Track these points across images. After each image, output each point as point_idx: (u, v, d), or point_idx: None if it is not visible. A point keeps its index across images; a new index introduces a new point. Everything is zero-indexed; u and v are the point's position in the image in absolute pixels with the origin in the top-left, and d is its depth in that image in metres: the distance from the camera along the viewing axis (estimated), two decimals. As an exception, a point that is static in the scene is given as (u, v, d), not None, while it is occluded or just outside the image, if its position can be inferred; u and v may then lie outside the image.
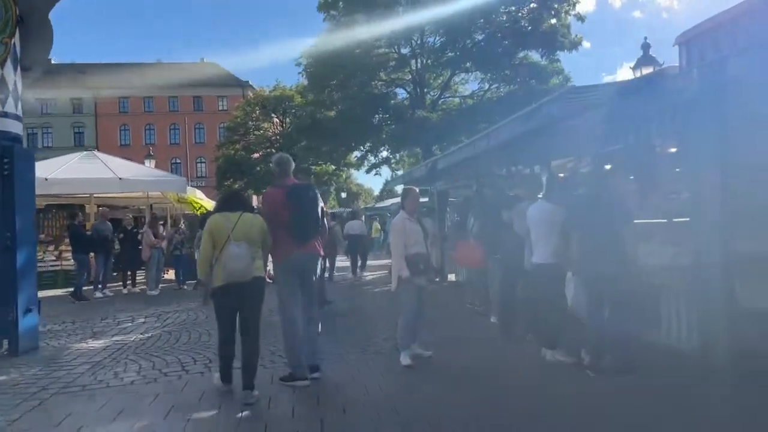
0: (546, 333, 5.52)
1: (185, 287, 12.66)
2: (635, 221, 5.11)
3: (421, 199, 6.58)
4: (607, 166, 6.10)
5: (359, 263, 14.57)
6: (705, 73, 4.25)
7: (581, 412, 4.13)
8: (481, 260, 7.63)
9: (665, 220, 6.38)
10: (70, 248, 12.10)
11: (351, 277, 14.36)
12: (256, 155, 44.17)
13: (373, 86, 22.23)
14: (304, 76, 23.90)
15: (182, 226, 13.65)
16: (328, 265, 14.52)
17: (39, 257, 11.42)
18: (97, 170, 13.45)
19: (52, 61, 63.76)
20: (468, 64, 21.29)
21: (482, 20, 19.80)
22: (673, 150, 6.08)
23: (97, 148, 26.16)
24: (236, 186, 43.08)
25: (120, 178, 12.85)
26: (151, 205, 16.68)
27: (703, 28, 4.13)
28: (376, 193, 68.86)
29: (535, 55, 20.93)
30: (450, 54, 21.09)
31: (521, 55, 20.90)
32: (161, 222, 14.40)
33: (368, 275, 14.62)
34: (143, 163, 20.17)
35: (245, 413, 4.27)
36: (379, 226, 23.32)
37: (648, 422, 3.87)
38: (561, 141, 6.25)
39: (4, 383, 5.30)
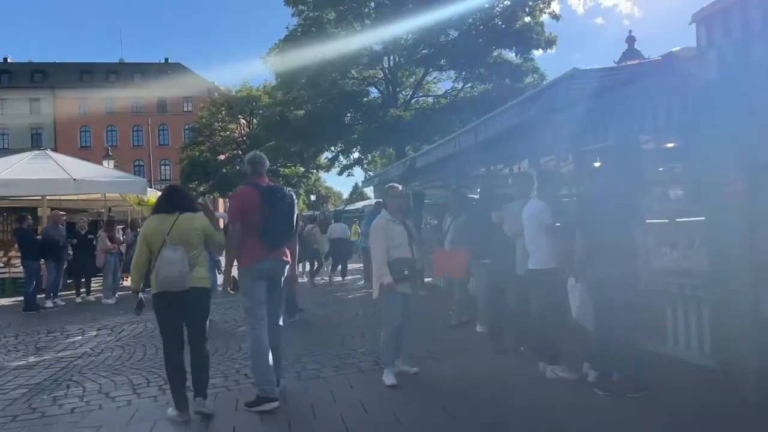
0: (545, 347, 4.97)
1: (145, 295, 11.74)
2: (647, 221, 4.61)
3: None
4: (608, 164, 5.61)
5: (339, 268, 14.04)
6: (729, 53, 3.76)
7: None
8: (463, 269, 6.84)
9: (666, 221, 5.94)
10: (19, 254, 11.17)
11: (326, 280, 13.77)
12: (221, 157, 43.24)
13: (343, 84, 21.60)
14: (272, 72, 23.13)
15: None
16: (307, 269, 13.92)
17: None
18: (50, 170, 12.56)
19: (9, 60, 61.59)
20: (442, 62, 20.82)
21: (456, 17, 19.38)
22: (683, 143, 5.62)
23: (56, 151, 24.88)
24: (201, 188, 42.11)
25: (74, 179, 12.02)
26: (109, 208, 15.78)
27: (726, 3, 3.68)
28: (345, 196, 68.50)
29: (509, 54, 20.63)
30: (424, 51, 20.59)
31: (495, 53, 20.55)
32: (121, 226, 13.55)
33: (340, 279, 13.94)
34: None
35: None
36: (358, 229, 22.77)
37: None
38: (551, 136, 5.75)
39: None
